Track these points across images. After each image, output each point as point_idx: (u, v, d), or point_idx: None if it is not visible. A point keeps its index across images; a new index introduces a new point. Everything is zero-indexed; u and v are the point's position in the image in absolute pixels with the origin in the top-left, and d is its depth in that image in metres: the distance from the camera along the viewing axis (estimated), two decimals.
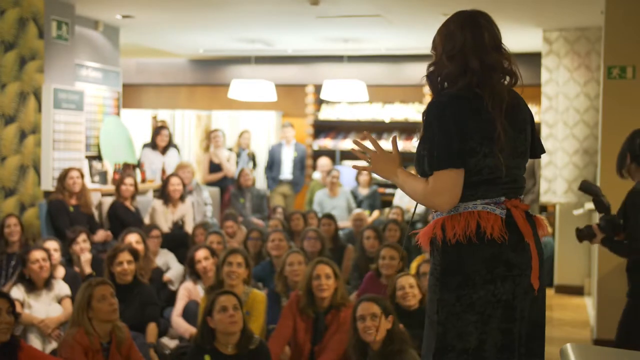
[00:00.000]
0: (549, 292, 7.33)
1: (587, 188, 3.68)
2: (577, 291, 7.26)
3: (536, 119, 9.23)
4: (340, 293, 4.27)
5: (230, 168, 8.72)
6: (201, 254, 5.09)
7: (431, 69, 2.33)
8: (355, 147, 2.53)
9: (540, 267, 2.25)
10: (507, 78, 2.29)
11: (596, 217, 4.57)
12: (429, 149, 2.24)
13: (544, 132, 7.33)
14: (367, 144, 2.55)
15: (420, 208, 8.18)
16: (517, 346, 2.25)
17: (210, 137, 8.90)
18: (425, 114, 2.27)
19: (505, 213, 2.23)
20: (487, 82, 2.23)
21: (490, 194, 2.24)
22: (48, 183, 6.50)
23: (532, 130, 2.37)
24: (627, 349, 3.13)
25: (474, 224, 2.20)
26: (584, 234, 3.66)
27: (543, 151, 2.45)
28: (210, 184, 8.53)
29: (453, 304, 2.21)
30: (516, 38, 7.95)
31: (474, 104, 2.21)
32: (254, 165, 9.50)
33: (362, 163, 2.58)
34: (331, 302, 4.25)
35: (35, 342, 4.52)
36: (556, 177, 7.24)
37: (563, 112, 7.23)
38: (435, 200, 2.23)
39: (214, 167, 8.69)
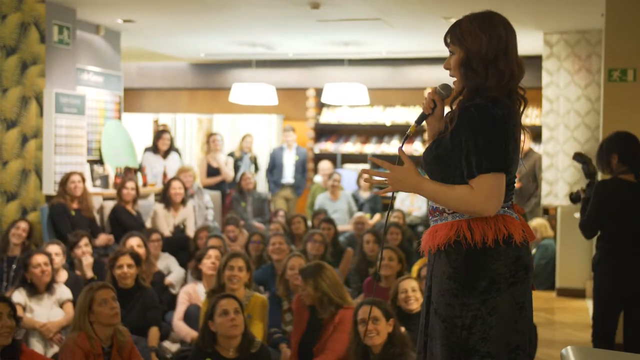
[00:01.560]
0: (551, 295, 7.33)
1: (579, 159, 4.34)
2: (578, 294, 7.25)
3: (537, 121, 9.29)
4: (339, 293, 4.27)
5: (229, 172, 8.73)
6: (212, 253, 5.14)
7: (479, 63, 2.23)
8: (366, 177, 2.42)
9: None
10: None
11: None
12: (474, 150, 2.17)
13: (545, 135, 7.33)
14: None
15: (422, 212, 8.18)
16: (526, 345, 2.28)
17: (209, 141, 8.91)
18: (467, 115, 2.20)
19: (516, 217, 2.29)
20: (516, 89, 2.28)
21: (506, 198, 2.28)
22: (50, 187, 6.50)
23: None
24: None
25: (504, 229, 2.21)
26: (575, 198, 4.38)
27: None
28: (209, 187, 8.53)
29: (478, 308, 2.21)
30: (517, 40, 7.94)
31: (510, 108, 2.25)
32: (256, 168, 9.51)
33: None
34: (321, 300, 4.21)
35: (36, 346, 4.52)
36: (557, 180, 7.24)
37: (564, 115, 7.23)
38: (484, 205, 2.17)
39: (212, 171, 8.69)
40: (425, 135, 8.20)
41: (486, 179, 2.17)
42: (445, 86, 2.37)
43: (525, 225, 2.31)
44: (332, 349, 4.10)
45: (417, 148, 9.70)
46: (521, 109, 2.31)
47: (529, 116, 9.53)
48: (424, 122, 2.43)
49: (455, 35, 2.28)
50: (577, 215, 6.74)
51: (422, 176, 2.30)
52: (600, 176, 4.42)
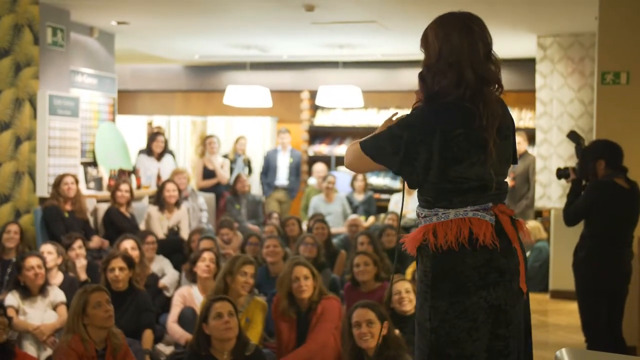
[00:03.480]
0: (545, 297, 7.34)
1: (573, 137, 4.64)
2: (572, 296, 7.19)
3: (530, 124, 9.29)
4: (318, 290, 4.37)
5: (224, 175, 8.72)
6: (207, 256, 5.12)
7: (427, 72, 2.28)
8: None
9: (525, 271, 2.28)
10: (497, 87, 2.28)
11: None
12: (377, 131, 2.35)
13: (539, 137, 7.35)
14: None
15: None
16: (513, 350, 2.25)
17: (205, 143, 8.90)
18: (411, 113, 2.30)
19: (494, 219, 2.24)
20: (480, 95, 2.22)
21: (479, 201, 2.25)
22: (43, 189, 6.48)
23: (513, 136, 2.39)
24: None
25: (466, 231, 2.19)
26: (562, 173, 4.69)
27: (516, 161, 2.44)
28: (204, 189, 8.53)
29: (445, 311, 2.19)
30: (510, 43, 7.98)
31: (466, 113, 2.20)
32: (250, 171, 9.50)
33: None
34: (311, 301, 4.36)
35: (30, 349, 4.50)
36: (551, 182, 7.26)
37: (557, 118, 7.25)
38: (345, 161, 2.46)
39: (208, 173, 8.68)
40: None
41: (354, 146, 2.37)
42: None
43: (511, 229, 2.24)
44: (314, 339, 4.18)
45: None
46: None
47: (523, 119, 9.55)
48: None
49: (422, 43, 2.36)
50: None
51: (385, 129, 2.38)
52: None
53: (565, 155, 7.19)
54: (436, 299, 2.21)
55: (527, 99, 9.06)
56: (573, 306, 7.03)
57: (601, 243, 4.36)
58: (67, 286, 5.02)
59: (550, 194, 7.30)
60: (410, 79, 9.94)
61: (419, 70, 2.36)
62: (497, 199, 2.29)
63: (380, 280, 4.97)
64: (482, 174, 2.23)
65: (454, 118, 2.21)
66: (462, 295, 2.19)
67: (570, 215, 4.49)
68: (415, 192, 2.37)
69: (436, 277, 2.22)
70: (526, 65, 8.68)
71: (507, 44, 7.97)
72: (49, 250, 5.11)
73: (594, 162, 4.39)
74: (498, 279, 2.21)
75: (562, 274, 7.33)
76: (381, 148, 2.28)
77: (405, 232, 7.55)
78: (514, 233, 2.26)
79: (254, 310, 4.47)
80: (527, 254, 7.61)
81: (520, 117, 9.55)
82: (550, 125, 7.29)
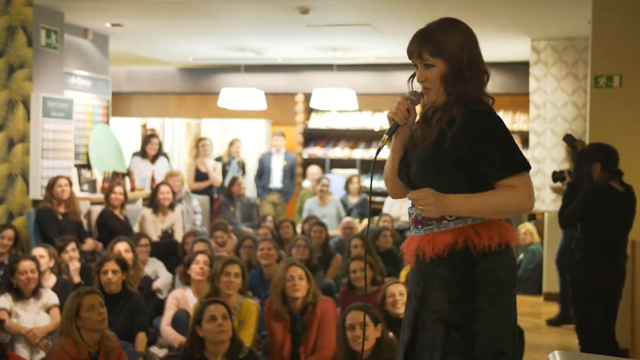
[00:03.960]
0: (538, 300, 7.36)
1: (569, 140, 4.81)
2: None
3: (524, 127, 9.32)
4: (312, 292, 4.38)
5: (217, 177, 8.72)
6: (200, 258, 5.11)
7: (469, 73, 2.25)
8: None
9: None
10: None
11: None
12: (503, 153, 2.19)
13: (532, 140, 7.37)
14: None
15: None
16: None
17: (198, 146, 8.90)
18: (487, 121, 2.22)
19: None
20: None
21: None
22: (37, 192, 6.47)
23: None
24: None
25: (506, 233, 2.25)
26: (558, 177, 4.82)
27: None
28: (197, 192, 8.52)
29: (489, 312, 2.22)
30: (504, 47, 8.00)
31: None
32: (244, 173, 9.50)
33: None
34: (304, 302, 4.36)
35: (22, 351, 4.49)
36: (545, 185, 7.28)
37: (551, 121, 7.28)
38: (531, 202, 2.20)
39: (200, 176, 8.68)
40: None
41: (526, 178, 2.20)
42: (414, 92, 2.40)
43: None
44: (325, 346, 4.16)
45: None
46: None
47: (517, 122, 9.58)
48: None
49: (436, 47, 2.29)
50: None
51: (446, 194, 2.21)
52: None
53: (558, 158, 7.21)
54: (481, 302, 2.22)
55: (521, 102, 9.09)
56: None
57: (596, 246, 4.39)
58: (60, 289, 5.01)
59: (544, 197, 7.32)
60: (404, 81, 9.91)
61: (410, 72, 2.37)
62: None
63: (376, 284, 4.97)
64: None
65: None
66: (500, 296, 2.24)
67: (566, 218, 4.52)
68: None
69: (480, 279, 2.22)
70: (520, 69, 8.70)
71: (500, 47, 7.99)
72: (40, 253, 5.09)
73: (590, 165, 4.42)
74: (517, 279, 2.34)
75: (555, 277, 7.35)
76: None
77: (400, 234, 7.63)
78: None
79: (246, 312, 4.46)
80: (520, 256, 7.67)
81: (514, 120, 9.58)
82: (543, 128, 7.32)
